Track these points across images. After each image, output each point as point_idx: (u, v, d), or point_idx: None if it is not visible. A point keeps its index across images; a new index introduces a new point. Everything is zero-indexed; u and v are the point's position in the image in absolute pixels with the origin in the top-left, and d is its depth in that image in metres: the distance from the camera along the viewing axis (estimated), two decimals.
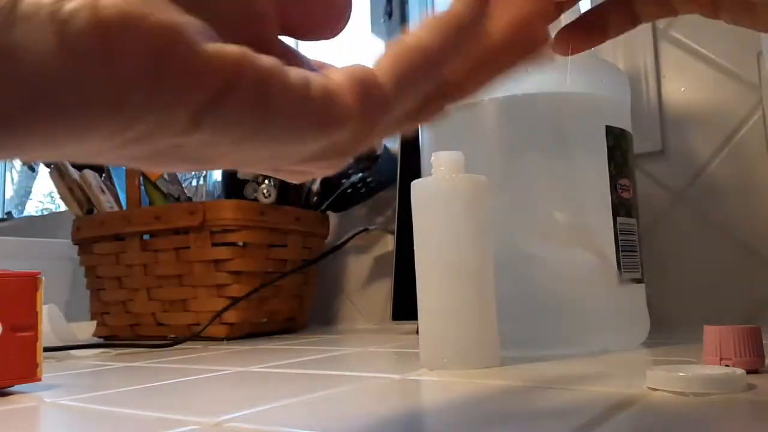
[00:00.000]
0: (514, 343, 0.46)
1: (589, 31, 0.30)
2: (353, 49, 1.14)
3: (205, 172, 0.99)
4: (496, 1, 0.24)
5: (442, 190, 0.42)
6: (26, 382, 0.41)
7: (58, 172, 0.93)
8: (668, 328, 0.65)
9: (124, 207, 0.91)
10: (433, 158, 0.43)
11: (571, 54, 0.29)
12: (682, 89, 0.75)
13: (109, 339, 0.92)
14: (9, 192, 1.79)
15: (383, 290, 1.00)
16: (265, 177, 0.86)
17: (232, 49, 0.16)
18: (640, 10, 0.29)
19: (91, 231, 0.90)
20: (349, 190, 0.93)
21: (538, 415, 0.27)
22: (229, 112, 0.16)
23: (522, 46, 0.25)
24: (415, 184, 0.43)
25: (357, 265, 1.04)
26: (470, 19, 0.21)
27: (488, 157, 0.50)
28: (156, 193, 0.90)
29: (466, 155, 0.43)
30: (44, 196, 1.77)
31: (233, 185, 0.89)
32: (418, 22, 0.21)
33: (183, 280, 0.84)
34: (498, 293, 0.43)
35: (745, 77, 0.71)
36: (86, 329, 0.78)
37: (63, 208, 1.14)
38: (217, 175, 0.99)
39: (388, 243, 0.99)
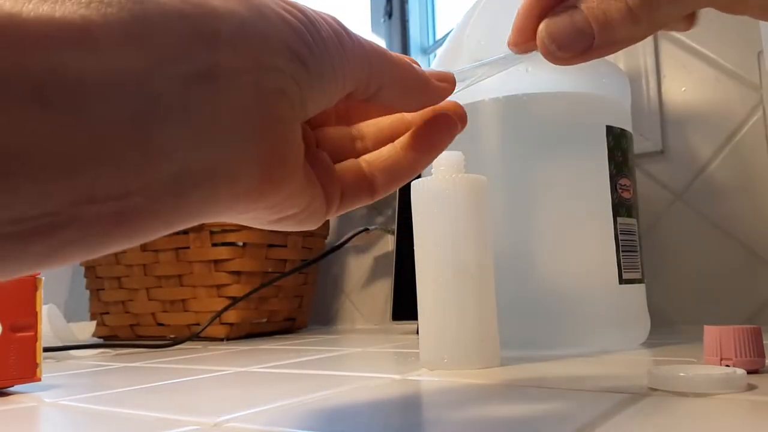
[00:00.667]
0: (514, 343, 0.46)
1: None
2: None
3: None
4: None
5: (442, 190, 0.42)
6: (26, 382, 0.41)
7: None
8: (668, 328, 0.65)
9: None
10: None
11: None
12: (683, 89, 0.75)
13: (108, 339, 0.92)
14: None
15: (383, 290, 1.00)
16: None
17: None
18: None
19: None
20: None
21: (539, 415, 0.27)
22: None
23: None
24: (415, 184, 0.43)
25: (357, 265, 1.04)
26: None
27: (488, 157, 0.50)
28: None
29: (466, 155, 0.43)
30: None
31: None
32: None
33: (183, 280, 0.84)
34: (498, 293, 0.43)
35: (746, 77, 0.71)
36: (86, 329, 0.78)
37: None
38: None
39: (388, 243, 0.99)
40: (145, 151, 0.16)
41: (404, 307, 0.85)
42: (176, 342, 0.73)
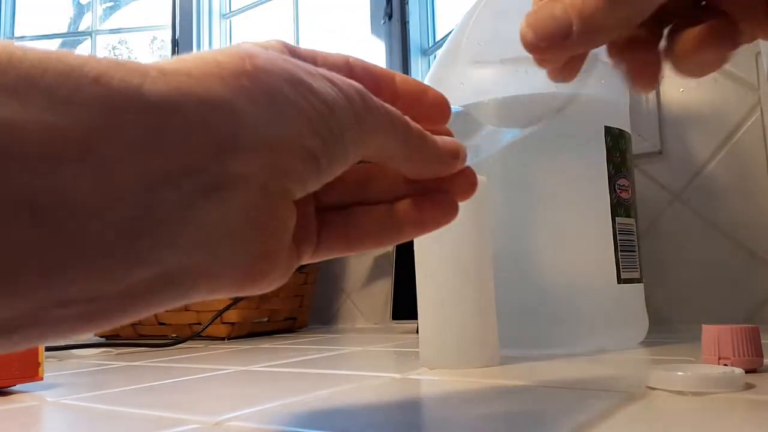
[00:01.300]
0: (514, 342, 0.46)
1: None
2: (353, 48, 1.14)
3: None
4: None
5: None
6: (28, 382, 0.41)
7: None
8: (667, 328, 0.66)
9: None
10: None
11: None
12: (681, 90, 0.75)
13: (110, 338, 0.92)
14: None
15: (383, 290, 1.00)
16: None
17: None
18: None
19: None
20: None
21: (538, 415, 0.27)
22: None
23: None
24: None
25: (357, 265, 1.04)
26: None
27: (488, 156, 0.50)
28: None
29: None
30: None
31: None
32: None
33: None
34: (498, 293, 0.43)
35: (744, 78, 0.71)
36: None
37: None
38: None
39: None
40: (127, 259, 0.15)
41: (404, 306, 0.86)
42: (178, 341, 0.73)
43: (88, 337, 0.79)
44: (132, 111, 0.15)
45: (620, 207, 0.50)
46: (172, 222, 0.16)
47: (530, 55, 0.27)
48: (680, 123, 0.75)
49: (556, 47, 0.23)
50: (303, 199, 0.22)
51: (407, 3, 1.16)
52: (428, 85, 0.27)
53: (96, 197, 0.14)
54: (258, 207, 0.17)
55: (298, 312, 0.94)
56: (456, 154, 0.25)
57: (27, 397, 0.38)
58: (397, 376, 0.39)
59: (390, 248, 0.97)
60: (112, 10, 1.89)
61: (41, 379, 0.41)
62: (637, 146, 0.72)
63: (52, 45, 1.83)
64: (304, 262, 0.24)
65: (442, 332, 0.41)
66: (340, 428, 0.26)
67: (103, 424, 0.30)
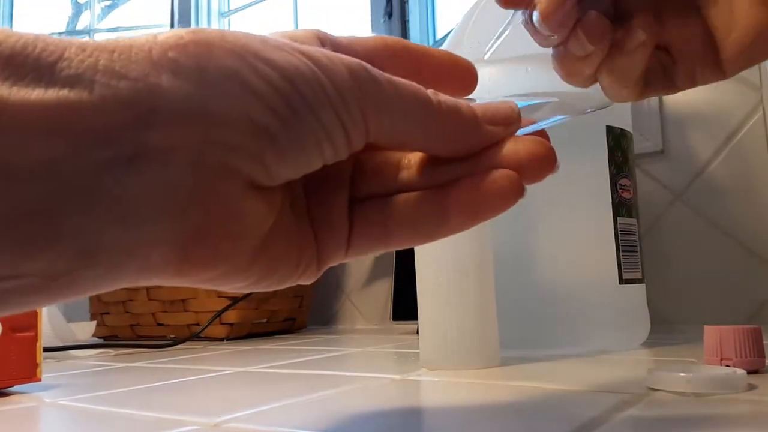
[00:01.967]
0: (514, 343, 0.46)
1: None
2: None
3: None
4: None
5: None
6: (26, 383, 0.41)
7: None
8: (668, 328, 0.65)
9: None
10: None
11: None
12: None
13: (108, 339, 0.92)
14: None
15: (383, 290, 1.00)
16: None
17: None
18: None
19: None
20: None
21: (538, 415, 0.27)
22: None
23: None
24: None
25: (357, 265, 1.04)
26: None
27: None
28: None
29: None
30: None
31: None
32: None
33: None
34: (498, 293, 0.43)
35: (746, 77, 0.71)
36: (86, 329, 0.78)
37: None
38: None
39: None
40: (44, 236, 0.15)
41: (404, 307, 0.85)
42: (176, 342, 0.73)
43: (88, 338, 0.79)
44: (42, 86, 0.15)
45: (622, 207, 0.50)
46: (85, 192, 0.15)
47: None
48: (682, 122, 0.75)
49: (560, 27, 0.24)
50: (326, 189, 0.21)
51: (407, 2, 1.16)
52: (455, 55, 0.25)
53: (7, 166, 0.14)
54: (187, 183, 0.17)
55: (298, 312, 0.94)
56: (498, 118, 0.22)
57: (25, 398, 0.38)
58: (397, 377, 0.39)
59: None
60: (110, 8, 1.89)
61: (39, 380, 0.41)
62: (638, 146, 0.72)
63: None
64: (338, 261, 0.23)
65: (442, 333, 0.41)
66: (339, 430, 0.25)
67: (102, 425, 0.30)
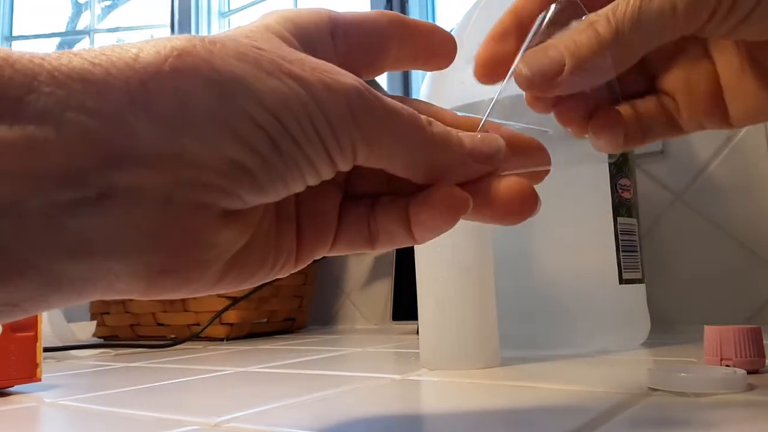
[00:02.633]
0: (514, 343, 0.46)
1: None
2: None
3: None
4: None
5: None
6: (26, 383, 0.41)
7: None
8: (668, 328, 0.65)
9: None
10: None
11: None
12: None
13: (109, 339, 0.92)
14: None
15: (383, 290, 1.00)
16: None
17: None
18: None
19: None
20: None
21: (538, 415, 0.27)
22: None
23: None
24: None
25: (357, 265, 1.04)
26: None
27: None
28: None
29: None
30: None
31: None
32: None
33: None
34: (498, 293, 0.43)
35: None
36: (86, 329, 0.78)
37: None
38: None
39: None
40: (6, 272, 0.15)
41: (404, 307, 0.85)
42: (176, 342, 0.73)
43: (88, 338, 0.79)
44: (7, 123, 0.15)
45: (622, 207, 0.50)
46: (48, 232, 0.15)
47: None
48: None
49: (548, 84, 0.25)
50: (321, 184, 0.20)
51: (407, 2, 1.16)
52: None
53: None
54: (155, 221, 0.16)
55: (298, 313, 0.94)
56: (488, 156, 0.22)
57: (25, 398, 0.38)
58: (397, 377, 0.39)
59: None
60: (110, 8, 1.89)
61: (39, 380, 0.41)
62: None
63: (50, 44, 1.83)
64: (320, 256, 0.23)
65: (442, 333, 0.41)
66: (339, 430, 0.25)
67: (102, 425, 0.30)
